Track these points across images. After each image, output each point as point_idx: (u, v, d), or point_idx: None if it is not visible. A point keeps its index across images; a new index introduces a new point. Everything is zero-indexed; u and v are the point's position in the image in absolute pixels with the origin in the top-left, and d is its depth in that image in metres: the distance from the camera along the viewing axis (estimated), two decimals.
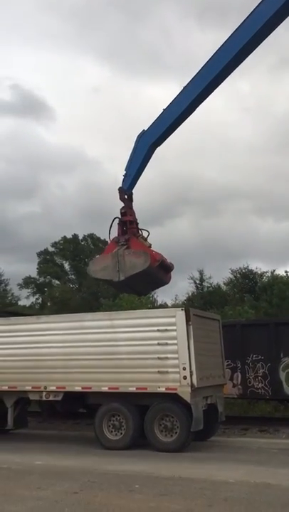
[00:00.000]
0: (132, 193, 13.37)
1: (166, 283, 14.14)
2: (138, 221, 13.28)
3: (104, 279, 12.78)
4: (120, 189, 13.26)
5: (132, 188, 13.38)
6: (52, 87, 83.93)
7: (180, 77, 74.99)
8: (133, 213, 13.21)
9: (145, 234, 13.28)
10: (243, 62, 12.62)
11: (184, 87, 12.92)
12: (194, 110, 13.16)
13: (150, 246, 13.05)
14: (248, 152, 67.71)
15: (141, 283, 12.95)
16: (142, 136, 13.36)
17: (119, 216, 13.09)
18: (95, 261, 13.33)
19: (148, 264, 11.90)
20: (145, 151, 13.28)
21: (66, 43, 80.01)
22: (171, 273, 13.73)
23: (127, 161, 13.50)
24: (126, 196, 13.17)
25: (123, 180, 13.38)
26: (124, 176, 13.39)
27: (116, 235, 12.98)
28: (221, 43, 12.43)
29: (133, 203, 13.42)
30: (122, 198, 13.21)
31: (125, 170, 13.42)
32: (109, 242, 13.25)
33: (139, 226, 13.30)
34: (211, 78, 12.58)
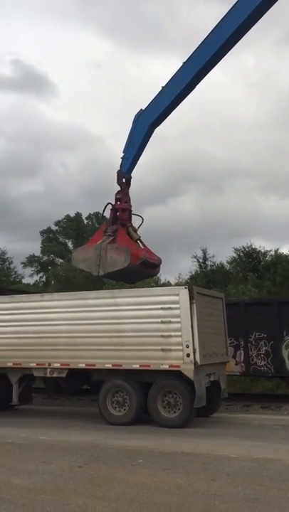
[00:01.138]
0: (130, 177, 13.02)
1: (154, 275, 14.06)
2: (132, 208, 12.98)
3: (85, 270, 12.69)
4: (119, 172, 12.90)
5: (131, 171, 13.02)
6: (54, 62, 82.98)
7: (183, 53, 73.70)
8: (128, 199, 12.90)
9: (138, 221, 13.03)
10: (247, 36, 12.34)
11: (184, 64, 12.51)
12: (194, 87, 12.80)
13: (139, 238, 12.77)
14: (252, 129, 66.97)
15: (123, 277, 12.89)
16: (140, 115, 12.94)
17: (114, 200, 12.81)
18: (79, 250, 13.11)
19: (127, 263, 11.80)
20: (144, 131, 12.87)
21: (68, 17, 78.65)
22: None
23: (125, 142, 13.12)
24: (124, 180, 12.86)
25: (121, 163, 13.00)
26: (123, 158, 13.01)
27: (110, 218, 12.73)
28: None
29: (136, 183, 13.16)
30: (119, 182, 12.87)
31: (123, 152, 13.03)
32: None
33: (136, 207, 13.03)
34: (211, 54, 12.19)
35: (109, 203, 12.88)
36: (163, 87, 12.77)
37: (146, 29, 75.27)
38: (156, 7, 70.75)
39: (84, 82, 77.32)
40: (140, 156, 13.15)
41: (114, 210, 12.73)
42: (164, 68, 69.88)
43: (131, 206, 12.99)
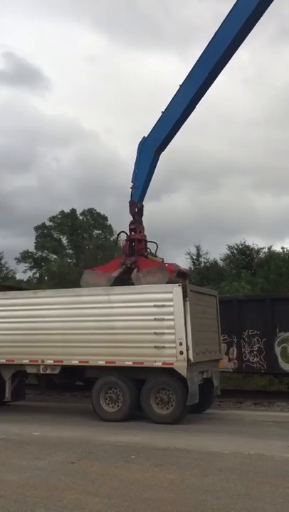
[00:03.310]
0: (142, 206, 12.87)
1: None
2: (146, 237, 12.82)
3: None
4: (131, 202, 12.73)
5: (143, 200, 12.87)
6: (47, 56, 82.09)
7: (178, 48, 73.71)
8: (142, 229, 12.75)
9: (153, 247, 12.94)
10: None
11: (181, 86, 12.31)
12: (195, 106, 12.57)
13: (162, 261, 12.62)
14: (247, 126, 66.94)
15: None
16: (144, 143, 12.77)
17: (128, 227, 12.70)
18: (91, 274, 12.67)
19: (167, 278, 11.55)
20: (150, 159, 12.72)
21: (62, 10, 78.06)
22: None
23: (132, 171, 12.90)
24: (136, 210, 12.68)
25: (132, 193, 12.84)
26: (132, 188, 12.84)
27: (123, 245, 12.70)
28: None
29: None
30: (132, 212, 12.70)
31: (132, 182, 12.86)
32: (115, 256, 12.99)
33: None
34: (209, 70, 12.00)
35: (123, 232, 12.84)
36: (163, 112, 12.49)
37: (140, 23, 75.14)
38: (151, 1, 70.55)
39: (78, 76, 76.87)
40: (150, 182, 12.92)
41: (130, 240, 12.60)
42: (159, 63, 69.72)
43: (145, 236, 12.81)
